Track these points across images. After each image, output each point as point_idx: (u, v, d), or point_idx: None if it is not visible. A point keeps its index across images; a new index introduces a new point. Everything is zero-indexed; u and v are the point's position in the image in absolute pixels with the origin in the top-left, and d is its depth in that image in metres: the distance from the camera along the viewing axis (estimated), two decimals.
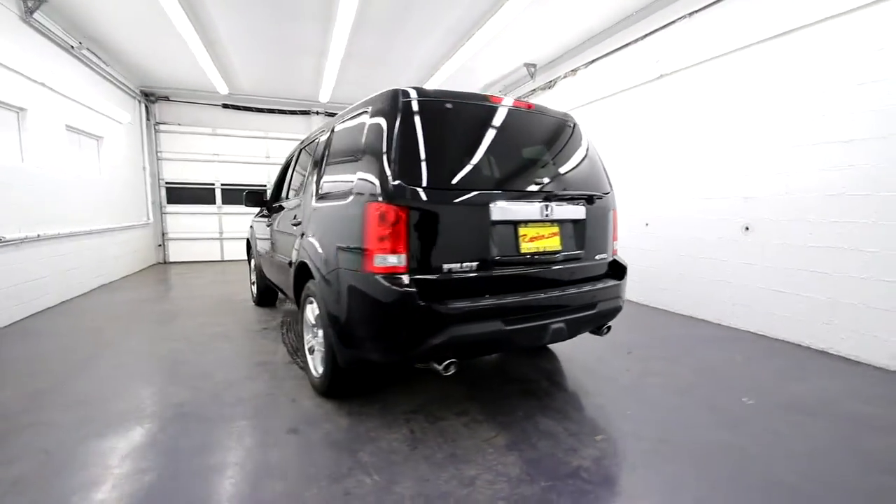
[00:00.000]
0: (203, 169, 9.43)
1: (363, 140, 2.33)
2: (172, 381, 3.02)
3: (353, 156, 2.45)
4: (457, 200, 2.16)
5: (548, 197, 2.43)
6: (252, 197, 4.64)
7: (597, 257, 2.72)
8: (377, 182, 2.12)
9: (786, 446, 2.24)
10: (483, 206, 2.21)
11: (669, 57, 4.94)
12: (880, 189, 3.19)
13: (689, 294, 4.78)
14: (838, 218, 3.46)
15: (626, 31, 5.55)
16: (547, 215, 2.40)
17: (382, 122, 2.23)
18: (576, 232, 2.58)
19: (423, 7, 5.18)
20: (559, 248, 2.48)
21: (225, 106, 9.44)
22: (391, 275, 2.05)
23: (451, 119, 2.30)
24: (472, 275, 2.18)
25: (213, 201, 9.60)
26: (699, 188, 4.68)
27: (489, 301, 2.16)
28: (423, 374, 3.11)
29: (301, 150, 3.84)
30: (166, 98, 8.96)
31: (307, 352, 2.98)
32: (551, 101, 6.89)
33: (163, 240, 9.26)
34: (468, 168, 2.27)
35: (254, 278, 5.44)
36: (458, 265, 2.15)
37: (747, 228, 4.21)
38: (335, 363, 2.49)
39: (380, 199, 2.08)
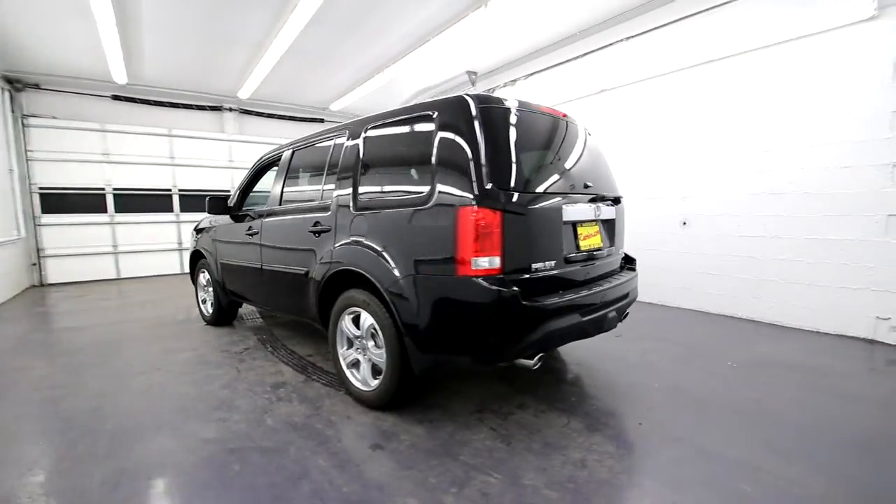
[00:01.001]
0: (89, 171, 7.92)
1: (435, 147, 2.31)
2: (187, 418, 2.61)
3: (418, 162, 2.43)
4: (538, 202, 2.29)
5: (594, 198, 2.68)
6: (217, 203, 4.13)
7: (620, 251, 3.07)
8: (467, 188, 2.15)
9: (780, 391, 2.81)
10: (557, 207, 2.38)
11: (610, 74, 5.62)
12: (795, 189, 4.09)
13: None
14: (761, 212, 4.33)
15: (568, 49, 6.15)
16: (598, 215, 2.66)
17: (461, 129, 2.24)
18: (608, 230, 2.88)
19: (386, 9, 5.12)
20: (601, 245, 2.75)
21: (116, 98, 8.07)
22: (492, 277, 2.10)
23: (518, 125, 2.40)
24: (552, 272, 2.33)
25: (103, 209, 8.13)
26: (642, 190, 5.41)
27: (570, 295, 2.33)
28: (461, 376, 3.16)
29: (293, 154, 3.55)
30: (36, 86, 7.36)
31: (345, 367, 2.82)
32: None
33: (38, 257, 7.58)
34: (538, 171, 2.42)
35: (205, 295, 4.82)
36: (542, 264, 2.29)
37: (685, 223, 5.01)
38: (405, 373, 2.43)
39: (473, 203, 2.12)
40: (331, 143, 3.13)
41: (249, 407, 2.74)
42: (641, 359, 3.49)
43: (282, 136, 9.83)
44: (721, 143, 4.63)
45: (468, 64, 7.19)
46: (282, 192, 3.53)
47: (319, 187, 3.11)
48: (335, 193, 2.87)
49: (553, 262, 2.34)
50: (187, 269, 9.30)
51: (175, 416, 2.64)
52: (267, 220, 3.58)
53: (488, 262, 2.12)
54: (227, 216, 4.23)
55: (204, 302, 4.87)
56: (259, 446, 2.29)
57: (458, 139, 2.24)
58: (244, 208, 4.19)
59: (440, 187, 2.25)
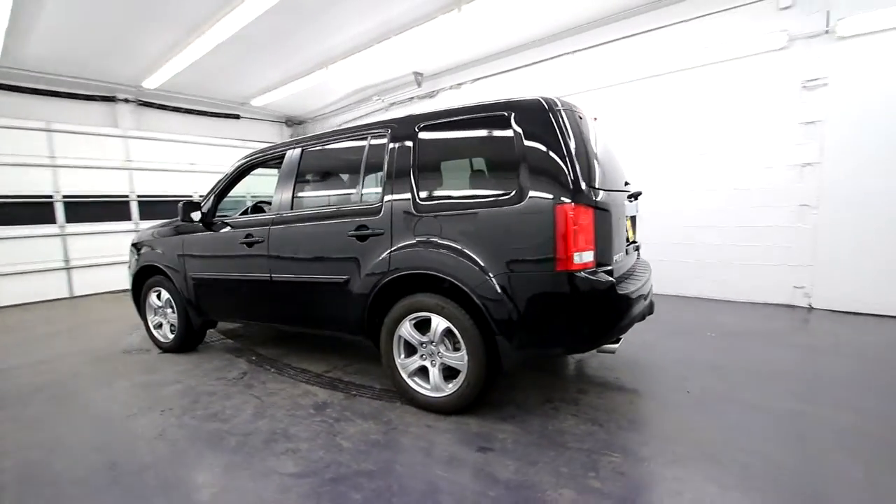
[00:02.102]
0: None
1: (520, 147, 2.35)
2: (247, 455, 2.27)
3: (495, 162, 2.48)
4: (612, 198, 2.48)
5: (631, 195, 2.96)
6: (191, 209, 3.57)
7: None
8: (562, 186, 2.24)
9: (762, 352, 3.42)
10: (623, 202, 2.60)
11: (558, 84, 6.10)
12: (726, 185, 4.93)
13: None
14: (698, 205, 5.13)
15: (517, 57, 6.50)
16: (637, 210, 2.95)
17: (547, 129, 2.32)
18: (632, 224, 3.19)
19: (352, 4, 4.90)
20: (634, 237, 3.05)
21: None
22: (588, 270, 2.23)
23: (585, 126, 2.56)
24: (622, 263, 2.54)
25: None
26: None
27: (637, 283, 2.57)
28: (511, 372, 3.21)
29: (302, 154, 3.23)
30: None
31: (406, 376, 2.71)
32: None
33: None
34: (604, 169, 2.59)
35: (160, 319, 4.09)
36: (618, 255, 2.49)
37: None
38: (490, 371, 2.44)
39: (568, 200, 2.22)
40: (364, 142, 2.95)
41: (309, 433, 2.48)
42: (639, 338, 3.89)
43: (191, 132, 8.74)
44: (662, 147, 5.37)
45: (416, 65, 7.17)
46: (293, 195, 3.21)
47: (356, 189, 2.93)
48: (387, 196, 2.72)
49: (622, 254, 2.56)
50: (77, 293, 7.87)
51: (228, 456, 2.28)
52: (276, 227, 3.22)
53: (584, 257, 2.24)
54: (199, 226, 3.68)
55: (159, 326, 4.14)
56: (360, 470, 2.11)
57: (547, 139, 2.32)
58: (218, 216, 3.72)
59: (532, 186, 2.30)
